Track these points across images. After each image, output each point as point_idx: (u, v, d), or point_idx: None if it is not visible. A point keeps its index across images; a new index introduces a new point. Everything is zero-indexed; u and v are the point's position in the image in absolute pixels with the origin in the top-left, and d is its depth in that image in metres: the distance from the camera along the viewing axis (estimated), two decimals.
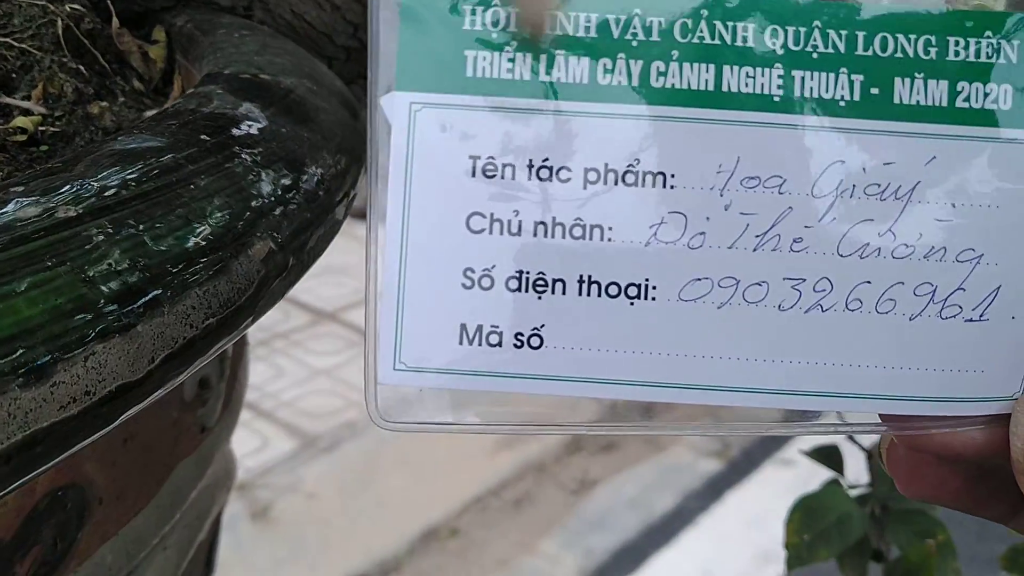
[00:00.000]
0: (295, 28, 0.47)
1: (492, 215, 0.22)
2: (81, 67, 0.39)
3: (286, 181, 0.28)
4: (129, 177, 0.25)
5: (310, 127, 0.32)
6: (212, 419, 0.35)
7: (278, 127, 0.30)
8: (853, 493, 0.52)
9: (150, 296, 0.22)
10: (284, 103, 0.33)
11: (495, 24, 0.22)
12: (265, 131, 0.30)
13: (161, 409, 0.31)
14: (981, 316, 0.23)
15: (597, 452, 1.63)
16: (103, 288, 0.22)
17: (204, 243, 0.24)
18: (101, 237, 0.23)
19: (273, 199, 0.27)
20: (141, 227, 0.23)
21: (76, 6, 0.41)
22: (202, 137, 0.27)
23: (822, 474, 0.58)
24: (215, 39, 0.40)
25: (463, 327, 0.23)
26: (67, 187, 0.24)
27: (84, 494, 0.28)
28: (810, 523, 0.50)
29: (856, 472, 0.58)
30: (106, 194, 0.24)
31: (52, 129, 0.35)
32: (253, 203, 0.26)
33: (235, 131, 0.29)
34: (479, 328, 0.23)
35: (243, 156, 0.27)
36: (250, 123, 0.30)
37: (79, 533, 0.28)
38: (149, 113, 0.39)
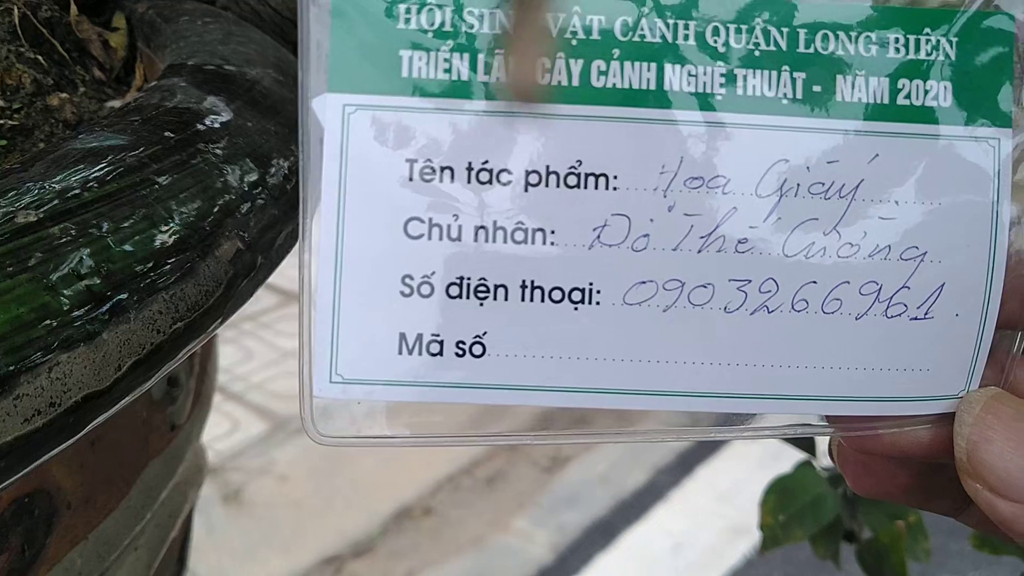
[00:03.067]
0: (259, 13, 0.46)
1: (430, 220, 0.22)
2: (39, 57, 0.38)
3: (253, 177, 0.28)
4: (91, 178, 0.24)
5: (277, 119, 0.32)
6: (182, 416, 0.35)
7: (244, 121, 0.30)
8: (824, 474, 0.53)
9: (115, 302, 0.22)
10: (249, 95, 0.32)
11: (431, 24, 0.21)
12: (230, 125, 0.29)
13: (129, 409, 0.31)
14: (926, 314, 0.23)
15: (568, 429, 1.63)
16: (66, 296, 0.21)
17: (170, 245, 0.24)
18: (63, 242, 0.22)
19: (240, 196, 0.27)
20: (104, 230, 0.23)
21: None
22: (166, 134, 0.27)
23: (791, 449, 0.59)
24: (178, 27, 0.39)
25: (402, 336, 0.22)
26: (26, 190, 0.23)
27: (52, 499, 0.27)
28: (785, 504, 0.50)
29: (826, 448, 0.59)
30: (67, 196, 0.23)
31: (11, 123, 0.34)
32: (219, 202, 0.26)
33: (199, 127, 0.28)
34: (419, 337, 0.22)
35: (208, 153, 0.27)
36: (215, 118, 0.29)
37: (48, 539, 0.27)
38: (111, 104, 0.39)
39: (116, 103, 0.39)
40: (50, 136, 0.35)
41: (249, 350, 1.76)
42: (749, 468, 1.49)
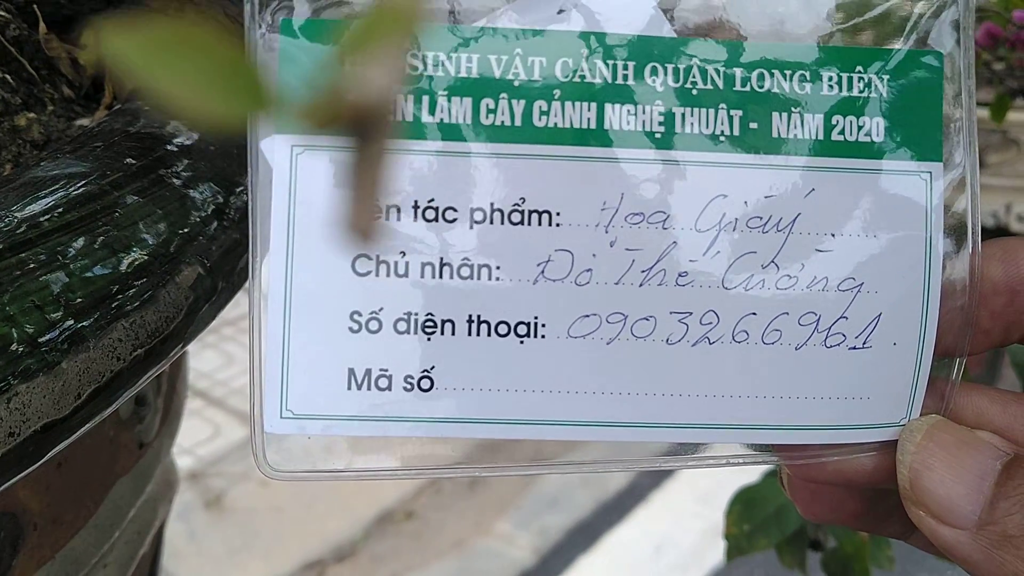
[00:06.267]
0: (229, 31, 0.46)
1: (378, 257, 0.22)
2: (7, 76, 0.38)
3: (214, 201, 0.28)
4: (52, 207, 0.24)
5: (240, 139, 0.32)
6: (150, 434, 0.35)
7: (207, 144, 0.30)
8: None
9: (75, 331, 0.22)
10: None
11: None
12: (193, 149, 0.29)
13: (96, 429, 0.31)
14: (864, 344, 0.23)
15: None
16: (26, 326, 0.22)
17: (130, 273, 0.24)
18: (23, 272, 0.22)
19: (201, 221, 0.27)
20: (64, 260, 0.23)
21: (0, 12, 0.40)
22: (127, 161, 0.27)
23: None
24: None
25: (351, 372, 0.22)
26: None
27: (17, 521, 0.28)
28: (749, 514, 0.51)
29: None
30: (28, 226, 0.23)
31: None
32: (180, 228, 0.26)
33: (162, 152, 0.28)
34: (368, 372, 0.22)
35: (170, 179, 0.27)
36: (177, 142, 0.29)
37: (13, 560, 0.28)
38: (80, 122, 0.39)
39: (85, 121, 0.39)
40: (17, 157, 0.35)
41: (230, 355, 1.76)
42: (728, 470, 1.50)
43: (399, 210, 0.22)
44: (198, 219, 0.27)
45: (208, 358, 1.71)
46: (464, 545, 1.41)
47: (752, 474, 0.57)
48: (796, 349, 0.23)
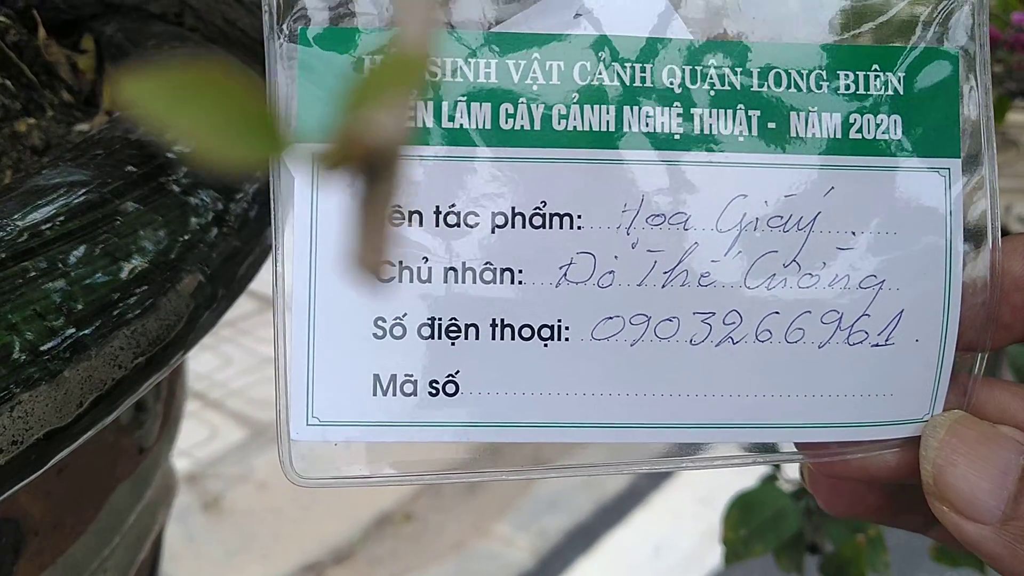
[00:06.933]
0: (228, 35, 0.46)
1: (401, 263, 0.22)
2: (7, 81, 0.38)
3: (215, 209, 0.28)
4: (53, 215, 0.24)
5: None
6: (150, 439, 0.35)
7: None
8: (788, 488, 0.53)
9: (76, 339, 0.22)
10: None
11: None
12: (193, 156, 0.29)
13: (96, 435, 0.31)
14: (887, 340, 0.23)
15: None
16: (27, 334, 0.22)
17: (131, 281, 0.24)
18: (24, 281, 0.22)
19: (202, 229, 0.27)
20: (66, 268, 0.23)
21: (0, 18, 0.40)
22: (128, 169, 0.27)
23: None
24: (144, 52, 0.40)
25: (376, 378, 0.22)
26: None
27: (19, 527, 0.28)
28: (746, 519, 0.51)
29: (792, 467, 0.59)
30: (29, 235, 0.24)
31: None
32: (181, 236, 0.26)
33: (162, 159, 0.28)
34: (393, 378, 0.22)
35: (171, 186, 0.27)
36: (178, 149, 0.29)
37: (15, 566, 0.28)
38: (79, 127, 0.39)
39: (84, 126, 0.39)
40: (17, 162, 0.35)
41: (228, 356, 1.76)
42: (729, 472, 1.50)
43: (421, 216, 0.22)
44: (198, 226, 0.27)
45: (206, 359, 1.71)
46: (463, 547, 1.40)
47: (749, 478, 0.58)
48: (819, 347, 0.23)
